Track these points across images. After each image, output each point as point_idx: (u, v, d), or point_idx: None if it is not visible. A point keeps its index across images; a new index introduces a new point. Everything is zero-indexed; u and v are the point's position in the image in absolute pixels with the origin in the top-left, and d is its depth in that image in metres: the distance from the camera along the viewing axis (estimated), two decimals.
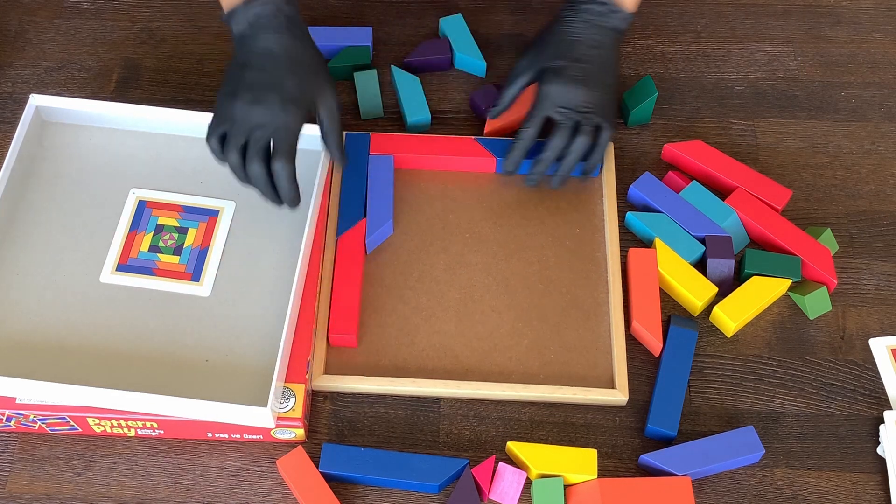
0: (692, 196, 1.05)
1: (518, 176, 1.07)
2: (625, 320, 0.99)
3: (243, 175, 0.93)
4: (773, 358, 0.99)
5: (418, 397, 0.96)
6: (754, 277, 1.00)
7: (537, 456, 0.90)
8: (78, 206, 1.00)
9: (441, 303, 1.00)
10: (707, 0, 1.24)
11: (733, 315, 0.98)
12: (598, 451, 0.92)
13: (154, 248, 0.98)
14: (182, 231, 0.99)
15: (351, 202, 1.03)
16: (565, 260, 1.03)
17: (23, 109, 1.02)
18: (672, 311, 1.01)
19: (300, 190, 0.93)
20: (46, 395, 0.88)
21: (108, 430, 0.92)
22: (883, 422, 0.94)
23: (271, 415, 0.87)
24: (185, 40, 1.19)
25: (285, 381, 0.91)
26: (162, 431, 0.92)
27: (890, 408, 0.96)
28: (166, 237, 0.99)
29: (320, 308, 0.97)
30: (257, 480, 0.91)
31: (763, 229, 1.03)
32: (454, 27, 1.17)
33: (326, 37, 1.15)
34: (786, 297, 1.02)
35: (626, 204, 1.07)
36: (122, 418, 0.90)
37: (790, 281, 1.00)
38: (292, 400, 0.90)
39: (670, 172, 1.07)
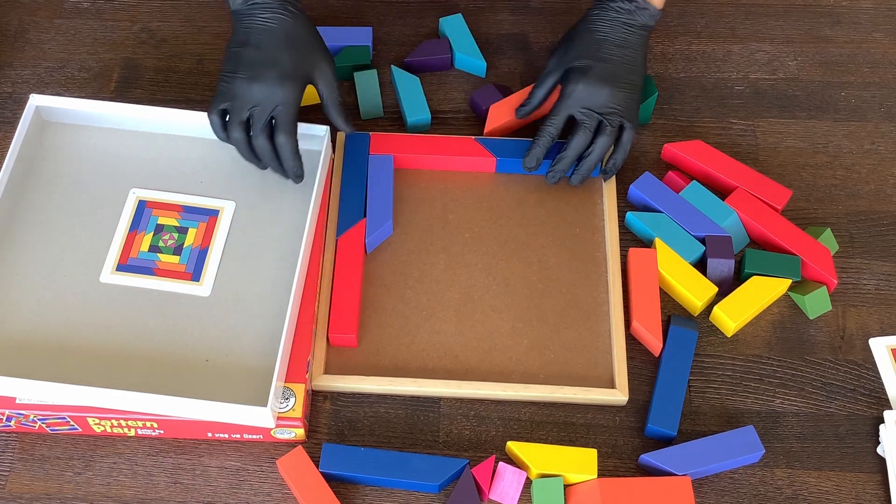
0: (692, 196, 1.05)
1: (518, 176, 1.07)
2: (625, 320, 0.99)
3: (246, 150, 0.97)
4: (773, 358, 0.99)
5: (418, 397, 0.96)
6: (754, 277, 1.00)
7: (537, 456, 0.90)
8: (78, 206, 1.00)
9: (441, 303, 1.00)
10: (707, 0, 1.24)
11: (733, 315, 0.98)
12: (598, 451, 0.92)
13: (154, 248, 0.98)
14: (182, 231, 0.99)
15: (351, 202, 1.03)
16: (565, 260, 1.03)
17: (23, 109, 1.02)
18: (672, 310, 1.01)
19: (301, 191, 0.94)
20: (46, 395, 0.88)
21: (108, 429, 0.92)
22: (883, 421, 0.94)
23: (271, 415, 0.87)
24: (185, 40, 1.19)
25: (285, 381, 0.91)
26: (162, 431, 0.92)
27: (890, 408, 0.96)
28: (166, 237, 0.99)
29: (320, 308, 0.97)
30: (257, 480, 0.91)
31: (763, 229, 1.03)
32: (454, 27, 1.17)
33: (326, 37, 1.13)
34: (786, 296, 1.02)
35: (626, 204, 1.07)
36: (122, 418, 0.90)
37: (790, 281, 1.00)
38: (292, 400, 0.90)
39: (670, 172, 1.07)
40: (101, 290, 0.96)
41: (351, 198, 1.04)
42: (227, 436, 0.92)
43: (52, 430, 0.92)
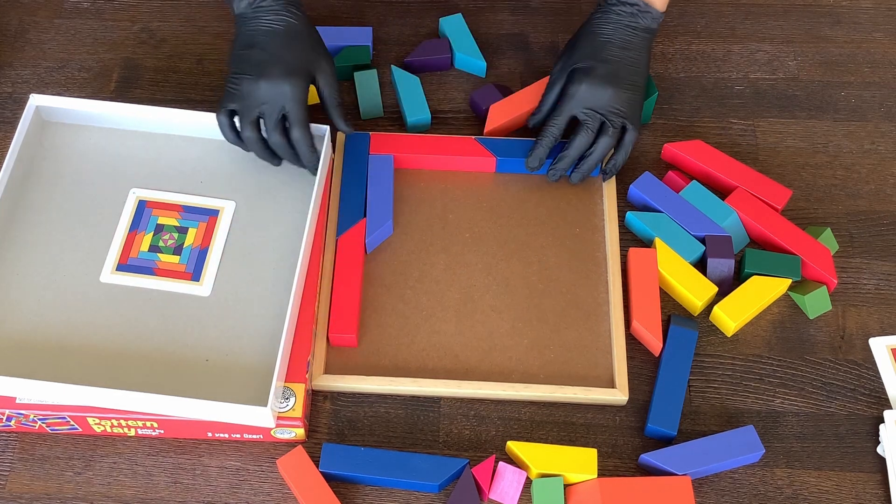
0: (692, 196, 1.05)
1: (518, 176, 1.07)
2: (625, 320, 0.99)
3: (261, 148, 0.99)
4: (773, 357, 0.99)
5: (418, 397, 0.96)
6: (754, 277, 1.00)
7: (537, 455, 0.90)
8: (78, 206, 1.00)
9: (441, 303, 1.00)
10: (707, 0, 1.24)
11: (733, 315, 0.98)
12: (598, 451, 0.92)
13: (154, 248, 0.98)
14: (182, 231, 0.99)
15: (351, 202, 1.03)
16: (565, 260, 1.03)
17: (23, 109, 1.02)
18: (672, 310, 1.01)
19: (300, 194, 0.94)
20: (46, 394, 0.88)
21: (109, 429, 0.92)
22: (883, 421, 0.94)
23: (271, 414, 0.87)
24: (185, 40, 1.19)
25: (285, 381, 0.91)
26: (162, 431, 0.92)
27: (890, 407, 0.96)
28: (166, 237, 0.99)
29: (320, 308, 0.97)
30: (257, 480, 0.91)
31: (763, 229, 1.03)
32: (454, 27, 1.17)
33: (326, 37, 1.14)
34: (786, 296, 1.02)
35: (626, 204, 1.07)
36: (122, 418, 0.90)
37: (790, 280, 1.00)
38: (292, 400, 0.90)
39: (670, 172, 1.07)
40: (101, 289, 0.96)
41: (351, 198, 1.04)
42: (227, 436, 0.92)
43: (52, 429, 0.92)
